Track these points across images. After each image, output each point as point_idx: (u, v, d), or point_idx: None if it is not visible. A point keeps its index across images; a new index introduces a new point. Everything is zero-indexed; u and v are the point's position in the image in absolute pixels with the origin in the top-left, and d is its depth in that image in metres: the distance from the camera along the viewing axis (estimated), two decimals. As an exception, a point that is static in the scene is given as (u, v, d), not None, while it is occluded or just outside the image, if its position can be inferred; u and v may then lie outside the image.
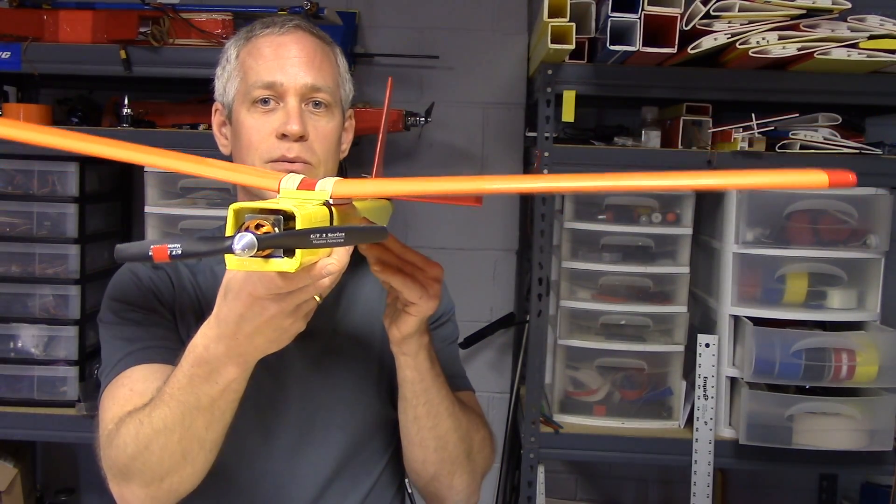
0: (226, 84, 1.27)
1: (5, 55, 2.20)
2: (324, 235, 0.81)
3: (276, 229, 0.84)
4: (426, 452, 1.25)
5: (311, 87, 1.23)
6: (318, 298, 0.96)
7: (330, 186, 0.94)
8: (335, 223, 0.94)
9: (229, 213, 0.86)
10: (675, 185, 0.96)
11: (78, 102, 2.51)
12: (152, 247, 0.80)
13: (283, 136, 1.20)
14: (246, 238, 0.79)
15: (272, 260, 0.84)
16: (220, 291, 0.98)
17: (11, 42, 2.21)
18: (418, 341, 1.15)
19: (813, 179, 0.83)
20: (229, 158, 1.30)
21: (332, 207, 0.93)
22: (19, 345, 2.32)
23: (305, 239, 0.81)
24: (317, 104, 1.24)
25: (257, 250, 0.80)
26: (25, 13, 2.24)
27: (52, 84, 2.60)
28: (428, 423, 1.22)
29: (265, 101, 1.22)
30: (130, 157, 1.02)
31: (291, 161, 1.20)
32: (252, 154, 1.21)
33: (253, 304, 0.93)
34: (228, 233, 0.85)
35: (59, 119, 2.42)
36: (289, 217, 0.85)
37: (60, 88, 2.62)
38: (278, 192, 0.95)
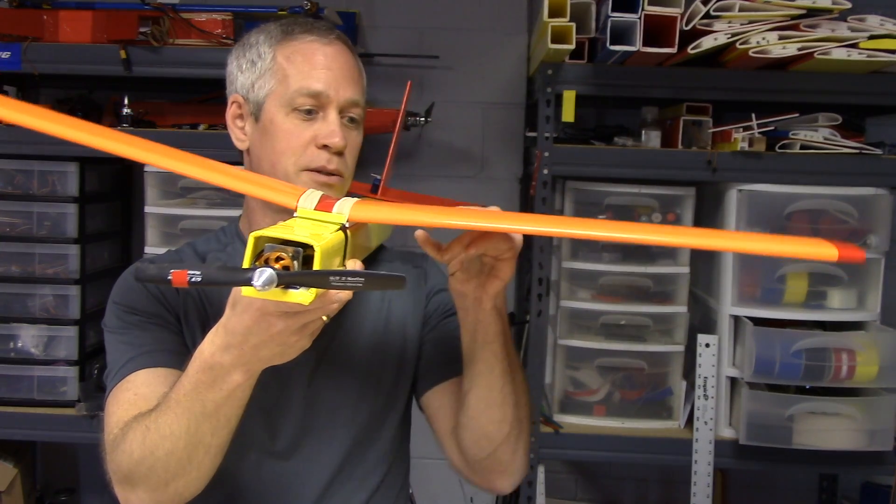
0: (255, 80, 1.26)
1: (5, 55, 2.20)
2: (343, 279, 0.83)
3: (296, 262, 0.87)
4: (505, 410, 1.22)
5: (352, 102, 1.25)
6: (325, 318, 0.98)
7: (347, 210, 0.97)
8: (349, 246, 0.97)
9: (249, 241, 0.88)
10: (677, 243, 1.00)
11: (78, 102, 2.51)
12: (172, 272, 0.82)
13: (324, 147, 1.22)
14: (266, 275, 0.82)
15: (289, 291, 0.86)
16: (228, 301, 1.00)
17: (11, 42, 2.21)
18: (503, 293, 1.15)
19: (822, 252, 0.84)
20: (242, 153, 1.31)
21: (347, 231, 0.96)
22: (19, 345, 2.33)
23: (325, 280, 0.83)
24: (351, 119, 1.26)
25: (276, 286, 0.83)
26: (25, 13, 2.24)
27: (52, 84, 2.59)
28: (509, 377, 1.21)
29: (309, 112, 1.23)
30: (157, 161, 1.05)
31: (330, 173, 1.23)
32: (287, 159, 1.22)
33: (261, 318, 0.95)
34: (246, 260, 0.87)
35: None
36: (307, 246, 0.88)
37: (60, 88, 2.62)
38: (296, 210, 0.98)
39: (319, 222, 0.96)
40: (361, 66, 1.32)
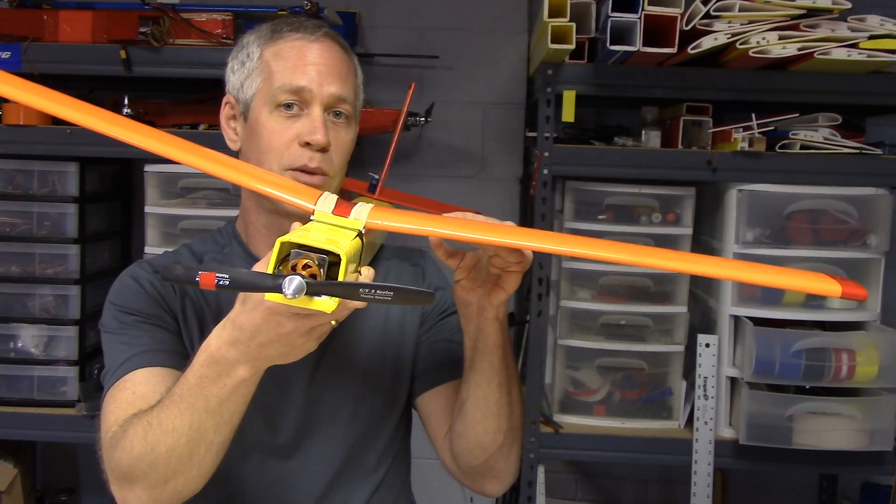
0: (244, 80, 1.26)
1: (5, 55, 2.20)
2: (372, 291, 0.83)
3: (322, 269, 0.87)
4: (500, 421, 1.24)
5: (337, 98, 1.23)
6: (333, 323, 0.98)
7: (364, 216, 0.97)
8: (363, 252, 0.98)
9: (275, 245, 0.88)
10: (679, 269, 1.05)
11: (78, 102, 2.51)
12: (200, 273, 0.82)
13: (307, 145, 1.21)
14: (296, 283, 0.82)
15: (314, 299, 0.86)
16: (238, 296, 0.99)
17: (11, 42, 2.21)
18: (505, 304, 1.16)
19: (825, 288, 0.85)
20: (236, 154, 1.30)
21: (364, 238, 0.97)
22: (19, 345, 2.32)
23: (354, 291, 0.83)
24: (338, 114, 1.25)
25: (304, 294, 0.83)
26: (25, 13, 2.24)
27: (52, 84, 2.54)
28: (505, 389, 1.23)
29: (289, 106, 1.22)
30: (173, 154, 1.06)
31: (311, 172, 1.21)
32: (271, 158, 1.22)
33: (270, 317, 0.95)
34: (271, 266, 0.87)
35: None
36: (329, 252, 0.88)
37: (60, 88, 2.61)
38: (313, 213, 0.98)
39: (337, 227, 0.96)
40: (353, 63, 1.30)
